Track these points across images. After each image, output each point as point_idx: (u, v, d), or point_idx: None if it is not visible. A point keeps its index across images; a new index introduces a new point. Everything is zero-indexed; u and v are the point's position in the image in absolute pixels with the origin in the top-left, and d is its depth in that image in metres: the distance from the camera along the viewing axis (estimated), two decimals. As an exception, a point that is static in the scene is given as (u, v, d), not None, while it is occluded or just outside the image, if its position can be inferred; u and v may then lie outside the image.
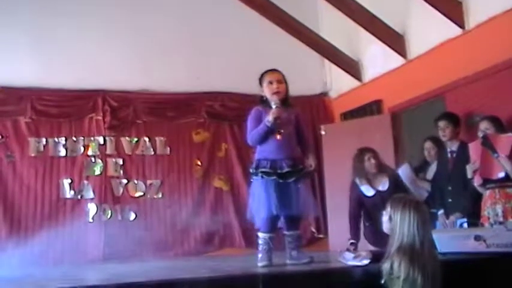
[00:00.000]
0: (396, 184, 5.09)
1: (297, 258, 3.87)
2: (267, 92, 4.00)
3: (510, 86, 5.06)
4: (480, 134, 4.45)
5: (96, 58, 7.31)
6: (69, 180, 7.21)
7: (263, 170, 3.86)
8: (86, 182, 7.27)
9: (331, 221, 7.14)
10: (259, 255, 3.85)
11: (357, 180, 5.18)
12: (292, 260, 3.88)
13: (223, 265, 4.56)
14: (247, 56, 7.42)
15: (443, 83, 5.88)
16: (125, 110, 7.51)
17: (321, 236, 7.60)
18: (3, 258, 6.11)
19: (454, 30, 5.79)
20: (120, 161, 7.44)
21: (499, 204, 4.20)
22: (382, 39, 6.70)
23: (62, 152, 7.25)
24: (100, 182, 7.30)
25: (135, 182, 7.45)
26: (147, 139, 7.56)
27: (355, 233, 5.07)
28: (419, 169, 5.72)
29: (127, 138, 7.52)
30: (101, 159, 7.36)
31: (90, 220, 7.16)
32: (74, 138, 7.32)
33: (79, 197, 7.21)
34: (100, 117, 7.40)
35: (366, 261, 3.25)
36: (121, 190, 7.38)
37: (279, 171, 3.85)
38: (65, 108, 7.33)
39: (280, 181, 3.84)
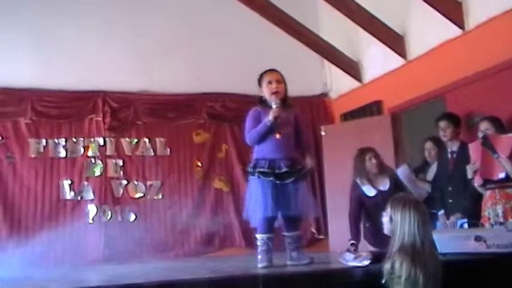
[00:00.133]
0: (396, 184, 5.09)
1: (297, 259, 3.86)
2: (266, 92, 4.00)
3: (510, 87, 5.06)
4: (480, 135, 4.45)
5: (96, 59, 7.32)
6: (69, 181, 7.21)
7: (261, 169, 3.86)
8: (86, 183, 7.27)
9: (332, 221, 7.14)
10: (259, 257, 3.84)
11: (358, 180, 5.17)
12: (293, 261, 3.88)
13: (224, 266, 4.55)
14: (247, 57, 7.42)
15: (443, 83, 5.89)
16: (125, 111, 7.51)
17: (321, 236, 7.61)
18: (3, 259, 6.10)
19: (453, 30, 5.79)
20: (120, 162, 7.44)
21: (499, 204, 4.20)
22: (382, 40, 6.70)
23: (62, 153, 7.26)
24: (100, 183, 7.30)
25: (135, 183, 7.45)
26: (147, 140, 7.56)
27: (355, 234, 5.06)
28: (420, 169, 5.71)
29: (127, 139, 7.52)
30: (101, 160, 7.36)
31: (90, 221, 7.16)
32: (74, 139, 7.32)
33: (79, 198, 7.21)
34: (100, 118, 7.40)
35: (366, 262, 3.25)
36: (121, 191, 7.38)
37: (276, 171, 3.84)
38: (65, 109, 7.33)
39: (277, 182, 3.84)
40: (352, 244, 4.94)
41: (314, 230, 7.63)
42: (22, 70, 7.11)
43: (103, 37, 7.42)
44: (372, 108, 7.22)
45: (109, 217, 7.22)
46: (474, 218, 4.42)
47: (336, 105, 8.14)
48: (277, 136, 3.89)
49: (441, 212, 4.95)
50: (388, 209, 2.96)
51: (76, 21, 7.30)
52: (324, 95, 8.30)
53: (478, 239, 3.62)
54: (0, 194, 6.93)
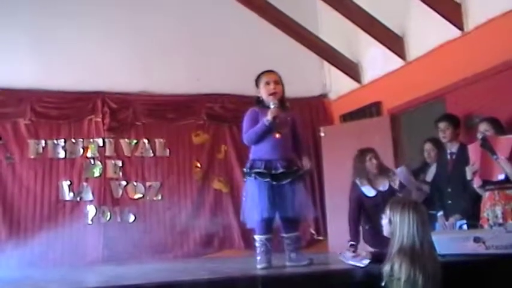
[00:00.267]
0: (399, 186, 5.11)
1: (296, 260, 3.86)
2: (263, 92, 4.00)
3: (509, 88, 5.06)
4: (479, 136, 4.45)
5: (95, 60, 7.32)
6: (68, 182, 7.20)
7: (257, 170, 3.86)
8: (85, 183, 7.26)
9: (331, 222, 7.14)
10: (258, 258, 3.83)
11: (358, 181, 5.17)
12: (292, 262, 3.87)
13: (223, 267, 4.55)
14: (247, 58, 7.41)
15: (443, 84, 5.89)
16: (124, 112, 7.51)
17: (320, 237, 7.60)
18: (3, 260, 6.11)
19: (453, 32, 5.79)
20: (120, 163, 7.44)
21: (498, 205, 4.20)
22: (381, 41, 6.70)
23: (61, 154, 7.25)
24: (99, 183, 7.30)
25: (135, 183, 7.44)
26: (146, 141, 7.56)
27: (354, 235, 5.07)
28: (419, 171, 5.71)
29: (126, 140, 7.52)
30: (100, 161, 7.36)
31: (89, 222, 7.16)
32: (73, 140, 7.32)
33: (78, 199, 7.21)
34: (99, 119, 7.40)
35: (365, 262, 3.25)
36: (120, 192, 7.37)
37: (273, 171, 3.84)
38: (65, 110, 7.33)
39: (274, 183, 3.84)
40: (351, 245, 4.94)
41: (313, 231, 7.62)
42: (21, 71, 7.11)
43: (102, 38, 7.42)
44: (371, 110, 7.22)
45: (108, 218, 7.22)
46: (473, 219, 4.41)
47: (335, 106, 8.15)
48: (277, 136, 3.88)
49: (440, 213, 4.96)
50: (387, 211, 2.97)
51: (75, 22, 7.30)
52: (324, 96, 8.30)
53: (477, 240, 3.62)
54: (-1, 195, 6.93)
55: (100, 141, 7.38)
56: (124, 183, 7.40)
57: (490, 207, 4.24)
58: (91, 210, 7.19)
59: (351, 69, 7.58)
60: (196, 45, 7.69)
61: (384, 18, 6.64)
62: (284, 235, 3.97)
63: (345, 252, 3.87)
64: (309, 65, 8.09)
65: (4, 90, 7.05)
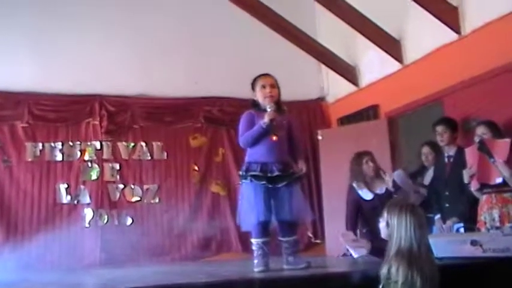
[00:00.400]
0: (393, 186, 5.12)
1: (293, 263, 3.86)
2: (259, 96, 4.01)
3: (507, 91, 5.07)
4: (476, 139, 4.46)
5: (93, 62, 7.31)
6: (66, 185, 7.18)
7: (253, 173, 3.86)
8: (82, 186, 7.25)
9: (328, 225, 7.13)
10: (255, 261, 3.83)
11: (355, 184, 5.18)
12: (289, 265, 3.87)
13: (220, 270, 4.55)
14: (244, 61, 7.41)
15: (440, 88, 5.90)
16: (122, 115, 7.50)
17: (317, 241, 7.60)
18: (0, 263, 6.09)
19: (450, 35, 5.81)
20: (117, 166, 7.42)
21: (495, 209, 4.21)
22: (378, 45, 6.71)
23: (59, 157, 7.23)
24: (96, 186, 7.28)
25: (132, 186, 7.43)
26: (144, 144, 7.55)
27: (352, 237, 5.07)
28: (417, 174, 5.72)
29: (124, 143, 7.51)
30: (98, 164, 7.34)
31: (87, 225, 7.14)
32: (71, 143, 7.30)
33: (75, 202, 7.19)
34: (97, 122, 7.39)
35: (360, 253, 3.25)
36: (118, 195, 7.36)
37: (269, 174, 3.84)
38: (62, 113, 7.31)
39: (270, 186, 3.84)
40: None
41: (311, 234, 7.62)
42: (19, 73, 7.10)
43: (100, 40, 7.41)
44: (369, 113, 7.23)
45: (105, 221, 7.20)
46: (470, 222, 4.43)
47: (332, 110, 8.15)
48: (274, 138, 3.88)
49: (437, 216, 4.96)
50: (385, 214, 2.97)
51: (73, 24, 7.29)
52: (321, 99, 8.31)
53: (474, 243, 3.63)
54: (-4, 198, 6.92)
55: (97, 144, 7.37)
56: (121, 186, 7.39)
57: (487, 211, 4.25)
58: (88, 213, 7.17)
59: (348, 72, 7.59)
60: (194, 49, 7.70)
61: (381, 21, 6.65)
62: (282, 239, 3.97)
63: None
64: (307, 68, 8.09)
65: (1, 92, 7.04)
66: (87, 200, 7.22)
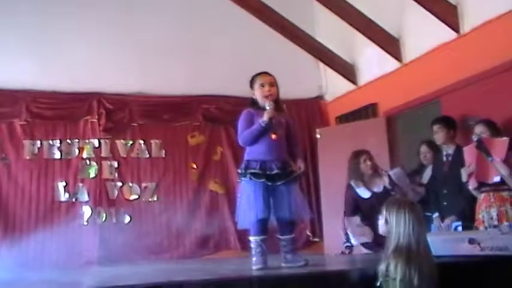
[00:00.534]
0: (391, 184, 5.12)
1: (292, 261, 3.85)
2: (258, 94, 4.00)
3: (505, 90, 5.07)
4: (474, 138, 4.46)
5: (91, 60, 7.30)
6: (64, 183, 7.19)
7: (252, 171, 3.85)
8: (80, 184, 7.25)
9: (327, 224, 7.14)
10: (254, 259, 3.83)
11: (353, 183, 5.18)
12: (287, 263, 3.87)
13: (219, 268, 4.54)
14: (243, 59, 7.40)
15: (439, 86, 5.90)
16: (120, 113, 7.50)
17: (316, 239, 7.60)
18: (-2, 261, 6.09)
19: (449, 34, 5.80)
20: (115, 164, 7.43)
21: (493, 207, 4.22)
22: (377, 43, 6.71)
23: (57, 155, 7.24)
24: (95, 184, 7.28)
25: (130, 184, 7.43)
26: (142, 142, 7.55)
27: (350, 236, 5.07)
28: (415, 172, 5.72)
29: (122, 140, 7.51)
30: (96, 162, 7.34)
31: (85, 223, 7.14)
32: (69, 141, 7.31)
33: (74, 199, 7.19)
34: (95, 120, 7.39)
35: (359, 241, 3.25)
36: (116, 193, 7.36)
37: (268, 172, 3.84)
38: (60, 111, 7.31)
39: (269, 184, 3.84)
40: (347, 247, 4.95)
41: (309, 233, 7.62)
42: (17, 71, 7.09)
43: (98, 38, 7.40)
44: (367, 111, 7.23)
45: (104, 219, 7.21)
46: (468, 220, 4.43)
47: (331, 108, 8.15)
48: (273, 137, 3.88)
49: (436, 214, 4.96)
50: (383, 211, 2.97)
51: (71, 22, 7.27)
52: (320, 97, 8.31)
53: (472, 241, 3.63)
54: (-5, 196, 6.91)
55: (96, 142, 7.37)
56: (120, 184, 7.39)
57: (485, 209, 4.26)
58: (86, 211, 7.18)
59: (346, 70, 7.59)
60: (193, 47, 7.69)
61: (380, 19, 6.65)
62: (280, 237, 3.97)
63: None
64: (305, 67, 8.10)
65: (0, 90, 7.03)
66: (86, 197, 7.22)
